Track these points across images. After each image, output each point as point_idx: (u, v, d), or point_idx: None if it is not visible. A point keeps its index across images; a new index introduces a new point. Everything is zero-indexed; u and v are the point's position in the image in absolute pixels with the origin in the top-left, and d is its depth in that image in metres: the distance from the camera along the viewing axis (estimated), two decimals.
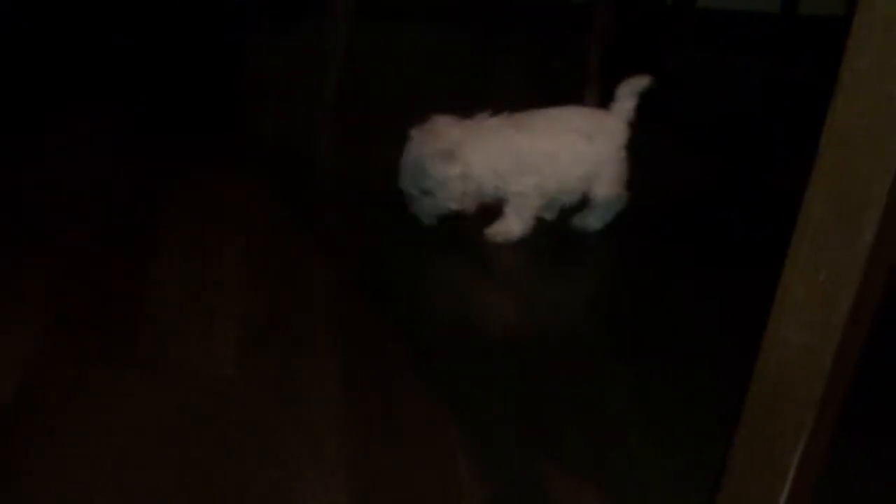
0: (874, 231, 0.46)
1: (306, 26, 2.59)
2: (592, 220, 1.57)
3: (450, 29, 2.67)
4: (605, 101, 1.62)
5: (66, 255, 1.35)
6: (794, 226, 0.53)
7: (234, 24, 2.56)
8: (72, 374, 1.07)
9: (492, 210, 1.55)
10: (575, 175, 1.51)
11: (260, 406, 1.06)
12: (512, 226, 1.52)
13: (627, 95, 1.52)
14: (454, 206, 1.50)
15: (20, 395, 1.03)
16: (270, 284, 1.33)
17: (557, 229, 1.57)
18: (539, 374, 1.18)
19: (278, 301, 1.29)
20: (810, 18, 2.92)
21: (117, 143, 1.75)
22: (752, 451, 0.55)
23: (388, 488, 0.94)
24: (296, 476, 0.94)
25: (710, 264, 1.55)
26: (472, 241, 1.52)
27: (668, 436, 1.07)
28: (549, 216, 1.57)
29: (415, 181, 1.48)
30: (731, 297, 1.43)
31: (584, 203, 1.56)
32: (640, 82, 1.51)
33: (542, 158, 1.49)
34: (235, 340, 1.18)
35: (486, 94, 1.61)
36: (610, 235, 1.58)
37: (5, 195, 1.51)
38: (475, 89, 2.22)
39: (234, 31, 2.52)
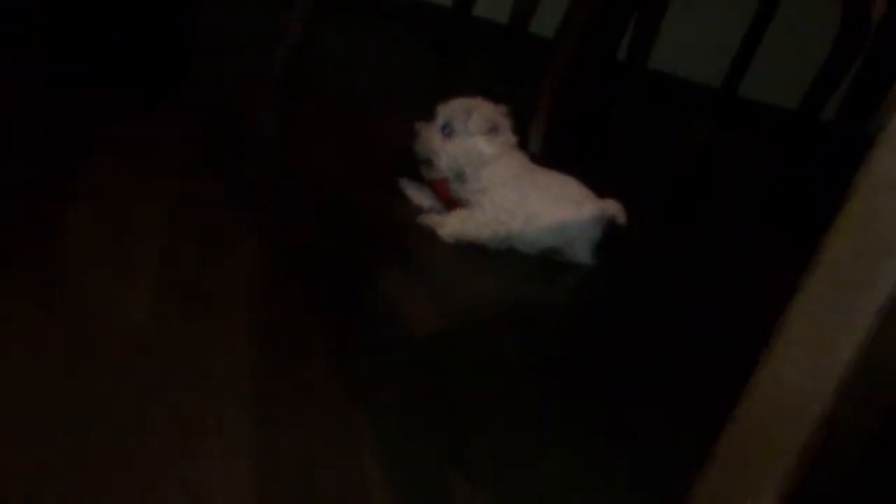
0: (893, 282, 0.46)
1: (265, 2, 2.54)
2: (571, 256, 1.61)
3: (410, 36, 2.66)
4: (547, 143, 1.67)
5: None
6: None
7: None
8: None
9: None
10: (551, 235, 1.57)
11: (167, 358, 0.99)
12: (449, 223, 1.51)
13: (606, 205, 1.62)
14: (443, 162, 1.54)
15: None
16: (193, 244, 1.27)
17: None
18: (455, 387, 1.15)
19: (200, 262, 1.22)
20: (746, 100, 3.03)
21: (53, 82, 1.66)
22: (722, 487, 0.54)
23: (292, 467, 0.90)
24: (195, 440, 0.88)
25: (637, 303, 1.57)
26: (413, 241, 1.50)
27: (586, 468, 1.06)
28: (528, 250, 1.59)
29: (452, 114, 1.54)
30: (657, 336, 1.46)
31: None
32: (617, 207, 1.62)
33: (524, 212, 1.55)
34: (151, 288, 1.11)
35: (431, 103, 1.61)
36: (549, 265, 1.59)
37: None
38: (421, 95, 2.21)
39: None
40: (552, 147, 1.98)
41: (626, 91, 2.62)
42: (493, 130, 1.55)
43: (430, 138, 1.56)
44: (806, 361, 0.50)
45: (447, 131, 1.55)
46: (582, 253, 1.60)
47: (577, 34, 1.94)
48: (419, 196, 1.62)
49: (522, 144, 1.66)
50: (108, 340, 0.99)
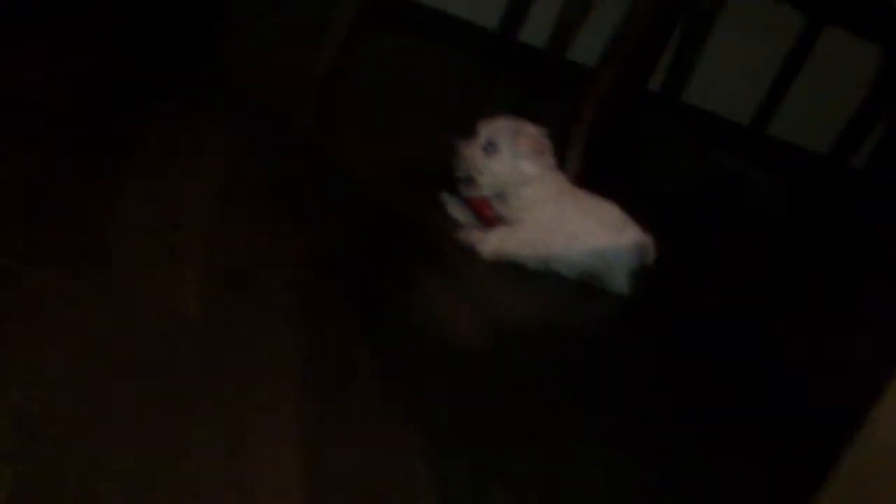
0: None
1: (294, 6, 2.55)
2: (609, 282, 1.60)
3: (453, 52, 2.67)
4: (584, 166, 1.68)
5: (24, 172, 1.23)
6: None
7: None
8: (15, 290, 0.97)
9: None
10: (591, 259, 1.56)
11: (218, 355, 0.97)
12: (489, 240, 1.51)
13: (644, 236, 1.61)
14: (485, 180, 1.53)
15: None
16: (237, 238, 1.25)
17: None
18: (498, 403, 1.14)
19: (243, 256, 1.21)
20: (773, 138, 3.04)
21: (100, 70, 1.65)
22: None
23: (340, 473, 0.89)
24: (246, 438, 0.87)
25: (670, 329, 1.57)
26: (453, 255, 1.49)
27: (626, 486, 1.05)
28: (567, 272, 1.58)
29: (496, 133, 1.52)
30: (683, 365, 1.45)
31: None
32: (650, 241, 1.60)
33: (564, 232, 1.54)
34: (198, 283, 1.09)
35: (468, 118, 1.61)
36: (586, 289, 1.59)
37: None
38: (460, 110, 2.22)
39: None
40: (588, 170, 1.97)
41: (659, 122, 2.62)
42: (538, 153, 1.55)
43: (473, 156, 1.55)
44: None
45: (490, 149, 1.54)
46: (620, 280, 1.58)
47: (621, 62, 1.94)
48: (459, 211, 1.61)
49: (559, 166, 1.66)
50: (156, 333, 0.97)
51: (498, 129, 1.55)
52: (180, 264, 1.12)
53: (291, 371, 1.01)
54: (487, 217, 1.58)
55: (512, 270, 1.51)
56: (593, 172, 1.97)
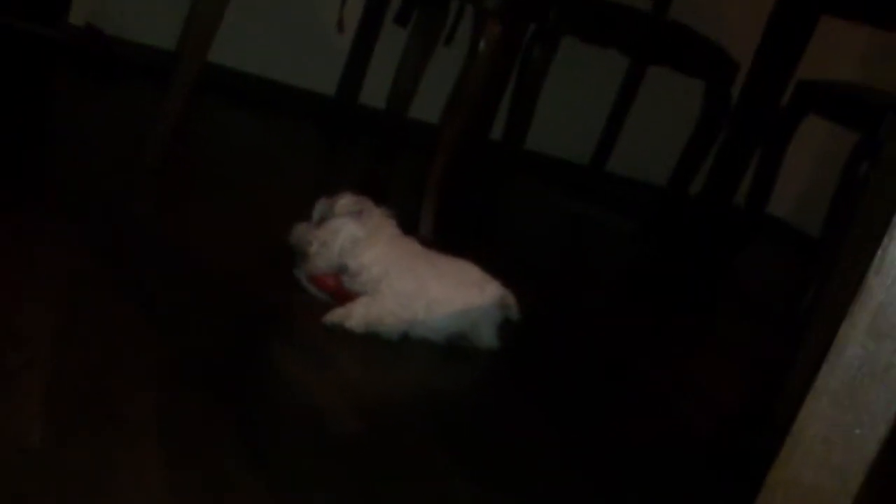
0: None
1: (118, 88, 2.46)
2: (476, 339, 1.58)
3: (293, 122, 2.63)
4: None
5: None
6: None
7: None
8: None
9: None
10: (456, 320, 1.54)
11: (65, 492, 0.89)
12: (353, 313, 1.47)
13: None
14: (321, 263, 1.51)
15: None
16: (82, 349, 1.16)
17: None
18: (386, 489, 1.10)
19: (93, 373, 1.12)
20: (612, 174, 3.15)
21: None
22: None
23: None
24: None
25: (547, 382, 1.55)
26: (317, 331, 1.45)
27: None
28: (434, 336, 1.55)
29: (324, 208, 1.53)
30: (574, 415, 1.44)
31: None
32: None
33: (426, 299, 1.51)
34: (42, 407, 1.00)
35: (315, 189, 1.59)
36: (454, 350, 1.56)
37: None
38: (306, 182, 2.19)
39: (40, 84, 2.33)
40: (442, 231, 1.96)
41: (504, 171, 2.66)
42: (360, 214, 1.53)
43: (304, 230, 1.54)
44: (825, 460, 0.48)
45: (319, 223, 1.53)
46: (487, 337, 1.57)
47: (463, 117, 1.95)
48: (316, 290, 1.57)
49: (409, 228, 1.65)
50: None
51: (327, 203, 1.54)
52: (21, 388, 1.02)
53: (159, 500, 0.92)
54: (339, 291, 1.54)
55: (380, 343, 1.48)
56: (447, 231, 1.97)
